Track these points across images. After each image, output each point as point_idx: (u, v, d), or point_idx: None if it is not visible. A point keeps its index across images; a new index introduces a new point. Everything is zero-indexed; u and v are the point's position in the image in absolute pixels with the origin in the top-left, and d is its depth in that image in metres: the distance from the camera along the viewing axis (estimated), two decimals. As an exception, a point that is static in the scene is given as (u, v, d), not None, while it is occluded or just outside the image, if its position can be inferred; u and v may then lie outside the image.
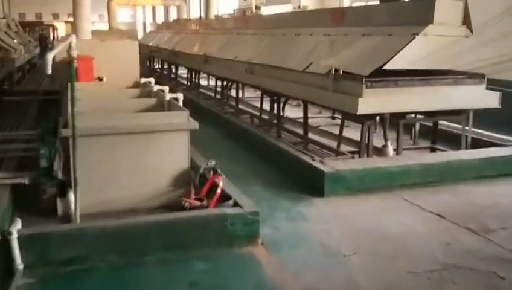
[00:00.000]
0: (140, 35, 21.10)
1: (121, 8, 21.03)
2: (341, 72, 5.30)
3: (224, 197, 3.78)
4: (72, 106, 3.42)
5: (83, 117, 3.96)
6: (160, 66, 16.17)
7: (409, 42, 4.78)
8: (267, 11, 16.17)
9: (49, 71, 2.92)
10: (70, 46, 3.21)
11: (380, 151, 5.35)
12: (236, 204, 3.63)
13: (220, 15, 12.28)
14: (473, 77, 5.27)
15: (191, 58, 11.04)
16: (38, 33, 23.37)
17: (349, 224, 3.89)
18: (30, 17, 32.72)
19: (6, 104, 8.36)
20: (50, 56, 2.93)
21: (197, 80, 11.75)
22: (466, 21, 4.96)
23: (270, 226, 3.79)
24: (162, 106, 4.96)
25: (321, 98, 5.61)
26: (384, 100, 4.94)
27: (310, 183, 4.74)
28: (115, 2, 17.63)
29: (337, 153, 5.44)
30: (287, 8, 14.88)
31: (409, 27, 5.01)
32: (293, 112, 8.44)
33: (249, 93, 10.66)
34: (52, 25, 26.93)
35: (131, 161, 4.04)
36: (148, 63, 17.05)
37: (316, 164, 4.77)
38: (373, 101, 4.89)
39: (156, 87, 5.71)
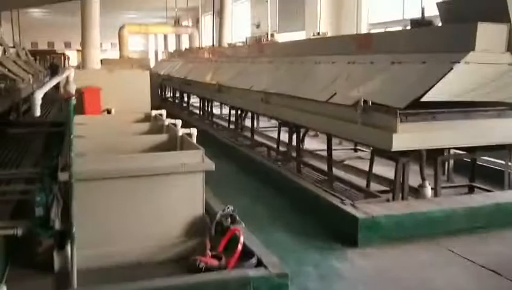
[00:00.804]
0: (152, 64, 20.92)
1: (133, 37, 20.88)
2: (370, 104, 4.82)
3: (245, 252, 3.25)
4: (69, 149, 2.93)
5: (84, 159, 3.50)
6: (172, 95, 15.84)
7: (449, 71, 4.27)
8: (280, 38, 15.84)
9: (38, 113, 2.46)
10: (67, 81, 2.75)
11: (416, 192, 4.81)
12: (259, 263, 3.10)
13: (232, 43, 11.90)
14: (517, 108, 4.74)
15: (203, 87, 10.64)
16: (50, 62, 23.28)
17: (393, 285, 3.33)
18: (42, 46, 32.86)
19: (11, 137, 7.96)
20: (39, 95, 2.46)
21: (210, 109, 11.35)
22: (510, 47, 4.45)
23: (299, 288, 3.24)
24: (174, 142, 4.48)
25: (348, 131, 5.10)
26: (421, 135, 4.41)
27: (340, 230, 4.20)
28: (127, 30, 17.44)
29: (367, 193, 4.90)
30: (301, 35, 14.52)
31: (446, 54, 4.51)
32: (312, 143, 7.96)
33: (264, 123, 10.21)
34: (64, 54, 26.88)
35: (138, 208, 3.54)
36: (160, 92, 16.74)
37: (347, 208, 4.24)
38: (409, 136, 4.37)
39: (168, 121, 5.25)
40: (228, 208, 3.77)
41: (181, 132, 4.53)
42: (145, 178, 3.54)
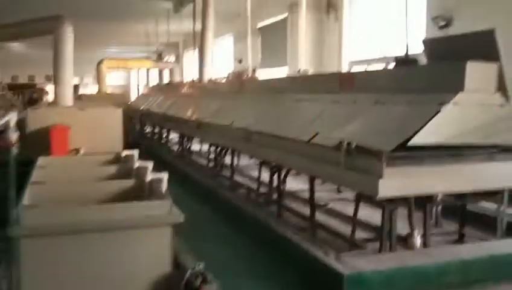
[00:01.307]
0: (134, 98, 20.62)
1: (114, 71, 20.66)
2: (354, 146, 4.53)
3: (216, 320, 2.85)
4: (15, 204, 2.54)
5: (36, 211, 3.11)
6: (151, 130, 15.48)
7: (437, 112, 4.01)
8: (262, 73, 15.71)
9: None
10: (7, 127, 2.39)
11: (405, 241, 4.48)
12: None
13: (214, 78, 11.67)
14: (508, 150, 4.48)
15: (183, 123, 10.32)
16: (28, 96, 22.83)
17: None
18: (23, 80, 32.37)
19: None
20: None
21: (189, 146, 11.02)
22: (501, 87, 4.22)
23: None
24: (142, 189, 4.11)
25: (331, 174, 4.78)
26: (409, 181, 4.11)
27: (324, 286, 3.83)
28: (105, 65, 17.16)
29: (352, 243, 4.55)
30: (283, 70, 14.40)
31: (433, 95, 4.26)
32: (294, 182, 7.61)
33: (245, 160, 9.88)
34: (42, 88, 26.46)
35: (96, 268, 3.14)
36: (139, 127, 16.40)
37: (331, 262, 3.88)
38: (396, 182, 4.05)
39: (138, 163, 4.88)
40: (199, 265, 3.38)
41: (150, 176, 4.16)
42: (104, 233, 3.15)
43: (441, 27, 8.32)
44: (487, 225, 5.12)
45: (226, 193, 6.86)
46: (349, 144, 4.53)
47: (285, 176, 6.53)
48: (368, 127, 4.62)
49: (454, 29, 8.17)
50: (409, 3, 6.18)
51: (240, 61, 17.49)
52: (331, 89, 5.80)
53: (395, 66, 4.93)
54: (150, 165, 4.76)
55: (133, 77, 40.05)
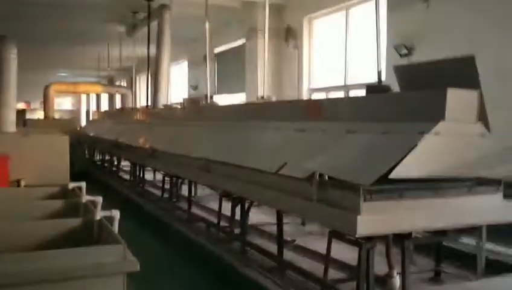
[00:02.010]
0: (84, 124, 19.76)
1: (64, 96, 19.80)
2: (327, 178, 4.18)
3: None
4: None
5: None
6: (101, 158, 14.74)
7: (418, 143, 3.71)
8: (219, 100, 15.34)
9: None
10: None
11: (383, 281, 4.12)
12: None
13: (168, 104, 11.19)
14: (487, 183, 4.24)
15: (135, 151, 9.75)
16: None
17: None
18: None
19: None
20: None
21: (141, 174, 10.43)
22: (482, 117, 3.99)
23: None
24: (90, 229, 3.58)
25: (302, 209, 4.39)
26: (389, 217, 3.77)
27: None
28: (53, 89, 16.35)
29: (325, 286, 4.15)
30: (240, 98, 14.07)
31: (411, 124, 3.98)
32: (257, 214, 7.19)
33: (203, 190, 9.39)
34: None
35: (32, 329, 2.59)
36: (89, 155, 15.62)
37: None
38: (375, 218, 3.71)
39: (86, 198, 4.35)
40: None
41: (100, 214, 3.64)
42: (43, 285, 2.61)
43: (403, 55, 8.24)
44: (464, 260, 4.87)
45: (184, 229, 6.34)
46: (321, 175, 4.19)
47: (249, 209, 6.11)
48: (341, 157, 4.28)
49: (416, 58, 8.11)
50: (368, 32, 6.01)
51: (195, 88, 17.08)
52: (297, 116, 5.47)
53: (367, 93, 4.65)
54: (99, 200, 4.24)
55: (84, 102, 38.89)
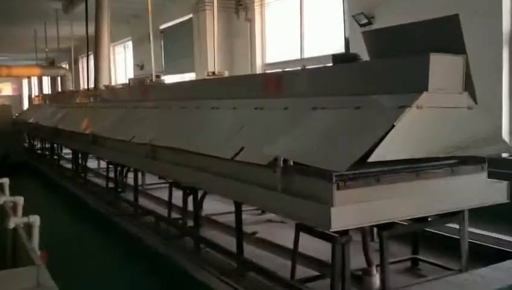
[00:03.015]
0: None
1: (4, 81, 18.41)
2: (292, 164, 3.58)
3: None
4: None
5: None
6: (41, 146, 13.63)
7: (399, 119, 3.14)
8: (167, 80, 14.45)
9: None
10: None
11: (359, 279, 3.59)
12: None
13: (110, 85, 10.28)
14: (471, 161, 3.76)
15: (76, 138, 8.85)
16: None
17: None
18: None
19: None
20: None
21: (84, 163, 9.56)
22: (468, 86, 3.47)
23: None
24: (3, 240, 2.84)
25: (264, 200, 3.78)
26: (366, 207, 3.22)
27: None
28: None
29: (293, 288, 3.58)
30: (191, 77, 13.25)
31: (388, 97, 3.41)
32: (212, 202, 6.54)
33: (152, 178, 8.63)
34: None
35: None
36: (29, 144, 14.49)
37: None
38: (351, 209, 3.15)
39: (5, 199, 3.58)
40: None
41: (14, 222, 2.89)
42: None
43: (363, 25, 7.69)
44: (443, 246, 4.44)
45: (129, 225, 5.62)
46: (285, 161, 3.59)
47: (202, 199, 5.47)
48: (307, 139, 3.67)
49: (377, 27, 7.58)
50: (324, 1, 5.39)
51: (141, 67, 16.08)
52: (254, 93, 4.82)
53: (334, 63, 4.04)
54: (20, 201, 3.49)
55: (26, 86, 36.85)
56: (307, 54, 9.75)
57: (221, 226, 5.33)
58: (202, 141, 4.84)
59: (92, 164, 10.11)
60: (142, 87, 7.91)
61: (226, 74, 5.79)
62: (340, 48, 8.18)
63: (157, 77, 9.81)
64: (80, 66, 21.47)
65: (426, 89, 3.24)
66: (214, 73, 5.78)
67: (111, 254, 5.14)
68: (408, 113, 3.17)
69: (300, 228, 3.73)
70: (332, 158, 3.21)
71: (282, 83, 4.52)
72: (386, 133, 3.10)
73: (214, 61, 7.05)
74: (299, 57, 9.97)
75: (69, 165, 10.43)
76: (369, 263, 3.56)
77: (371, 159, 3.01)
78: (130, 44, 18.50)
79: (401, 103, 3.25)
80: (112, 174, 7.87)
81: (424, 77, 3.26)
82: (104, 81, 10.55)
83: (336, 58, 4.06)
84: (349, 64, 3.90)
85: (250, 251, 4.59)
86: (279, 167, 3.56)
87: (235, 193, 4.15)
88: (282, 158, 3.58)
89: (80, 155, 9.62)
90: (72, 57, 15.73)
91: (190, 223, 5.33)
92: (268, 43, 11.08)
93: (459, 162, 3.72)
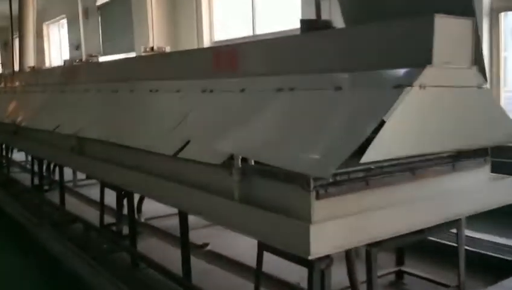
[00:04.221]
0: None
1: None
2: (253, 164, 2.73)
3: None
4: None
5: None
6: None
7: (398, 103, 2.32)
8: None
9: None
10: None
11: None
12: None
13: (37, 66, 9.03)
14: (471, 154, 3.01)
15: (-4, 128, 7.64)
16: None
17: None
18: None
19: None
20: None
21: (9, 155, 8.36)
22: (477, 58, 2.69)
23: None
24: None
25: (216, 211, 2.90)
26: (353, 222, 2.40)
27: None
28: None
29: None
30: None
31: (377, 73, 2.57)
32: (153, 202, 5.59)
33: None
34: None
35: None
36: None
37: None
38: (334, 226, 2.33)
39: None
40: None
41: None
42: None
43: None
44: (429, 254, 3.73)
45: (50, 239, 4.58)
46: (245, 160, 2.73)
47: (141, 201, 4.54)
48: (273, 131, 2.80)
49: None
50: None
51: (77, 48, 14.68)
52: (201, 72, 3.89)
53: (302, 31, 3.16)
54: None
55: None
56: (260, 31, 8.85)
57: (163, 235, 4.41)
58: (137, 132, 3.90)
59: (19, 155, 8.90)
60: (69, 68, 6.78)
61: (168, 49, 4.80)
62: (296, 25, 7.32)
63: (92, 56, 8.67)
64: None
65: (430, 62, 2.43)
66: (152, 49, 4.78)
67: (25, 280, 4.12)
68: (409, 94, 2.35)
69: (264, 247, 2.87)
70: (310, 158, 2.36)
71: (237, 58, 3.60)
72: (381, 123, 2.28)
73: (152, 35, 6.02)
74: (251, 34, 9.06)
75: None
76: (353, 285, 2.76)
77: (364, 159, 2.18)
78: (64, 22, 16.95)
79: (398, 82, 2.42)
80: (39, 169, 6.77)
81: (427, 46, 2.44)
82: (29, 63, 9.26)
83: (305, 24, 3.19)
84: (323, 31, 3.03)
85: (200, 266, 3.73)
86: (237, 168, 2.70)
87: (178, 200, 3.24)
88: (240, 157, 2.71)
89: (3, 146, 8.40)
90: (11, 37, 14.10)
91: (126, 230, 4.40)
92: (216, 19, 10.08)
93: (457, 154, 2.99)
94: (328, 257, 2.51)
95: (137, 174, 3.65)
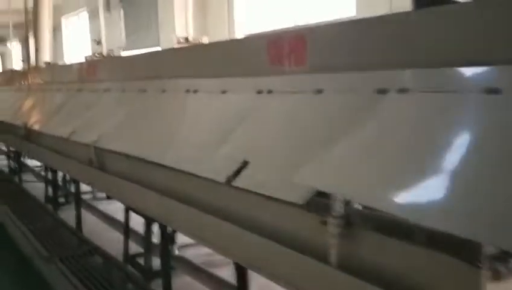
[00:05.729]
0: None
1: None
2: (360, 208, 1.77)
3: None
4: None
5: None
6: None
7: None
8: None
9: None
10: None
11: None
12: None
13: (53, 62, 8.21)
14: None
15: (7, 132, 6.85)
16: None
17: None
18: None
19: None
20: None
21: (18, 165, 7.58)
22: None
23: None
24: None
25: (292, 275, 1.95)
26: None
27: None
28: None
29: None
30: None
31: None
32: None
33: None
34: None
35: None
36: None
37: None
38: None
39: None
40: None
41: None
42: None
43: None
44: None
45: (61, 279, 3.67)
46: (347, 203, 1.78)
47: (174, 232, 3.63)
48: (390, 156, 1.83)
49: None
50: None
51: (98, 42, 13.88)
52: (254, 67, 2.94)
53: (417, 8, 2.18)
54: None
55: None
56: (303, 21, 7.88)
57: (204, 275, 3.48)
58: (171, 146, 2.98)
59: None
60: (87, 64, 5.91)
61: (205, 40, 3.85)
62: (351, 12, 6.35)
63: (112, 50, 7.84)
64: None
65: None
66: (187, 40, 3.83)
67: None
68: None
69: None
70: (480, 217, 1.39)
71: (306, 47, 2.64)
72: None
73: (185, 23, 5.08)
74: (292, 26, 8.09)
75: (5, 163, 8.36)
76: None
77: None
78: (84, 15, 16.21)
79: None
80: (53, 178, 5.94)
81: None
82: (44, 58, 8.46)
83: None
84: (451, 5, 2.04)
85: None
86: (336, 215, 1.74)
87: (232, 249, 2.30)
88: (340, 197, 1.76)
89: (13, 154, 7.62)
90: (11, 32, 13.40)
91: (157, 262, 3.51)
92: (251, 8, 9.14)
93: None
94: None
95: (174, 204, 2.73)
